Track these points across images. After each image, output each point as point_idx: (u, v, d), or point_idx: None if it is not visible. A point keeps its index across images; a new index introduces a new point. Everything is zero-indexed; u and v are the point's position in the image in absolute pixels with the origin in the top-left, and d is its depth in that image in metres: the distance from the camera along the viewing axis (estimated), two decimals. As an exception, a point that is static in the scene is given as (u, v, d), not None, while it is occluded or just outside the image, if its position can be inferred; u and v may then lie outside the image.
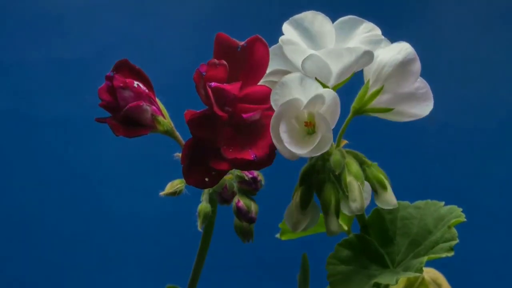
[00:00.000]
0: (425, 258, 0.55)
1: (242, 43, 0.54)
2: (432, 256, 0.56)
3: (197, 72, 0.52)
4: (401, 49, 0.54)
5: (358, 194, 0.53)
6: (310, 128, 0.51)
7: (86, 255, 1.32)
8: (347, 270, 0.57)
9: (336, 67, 0.51)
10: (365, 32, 0.54)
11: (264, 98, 0.52)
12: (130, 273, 1.32)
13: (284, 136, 0.50)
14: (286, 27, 0.54)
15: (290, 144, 0.50)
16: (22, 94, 1.35)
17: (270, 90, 0.52)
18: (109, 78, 0.56)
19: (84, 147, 1.33)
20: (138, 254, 1.32)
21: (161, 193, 0.59)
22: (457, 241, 0.56)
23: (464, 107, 1.31)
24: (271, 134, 0.50)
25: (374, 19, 0.55)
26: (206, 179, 0.52)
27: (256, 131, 0.52)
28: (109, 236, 1.32)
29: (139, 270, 1.32)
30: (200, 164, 0.52)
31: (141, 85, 0.56)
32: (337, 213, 0.54)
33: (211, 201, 0.60)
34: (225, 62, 0.52)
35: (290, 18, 0.54)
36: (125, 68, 0.57)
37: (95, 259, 1.32)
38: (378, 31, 0.54)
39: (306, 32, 0.54)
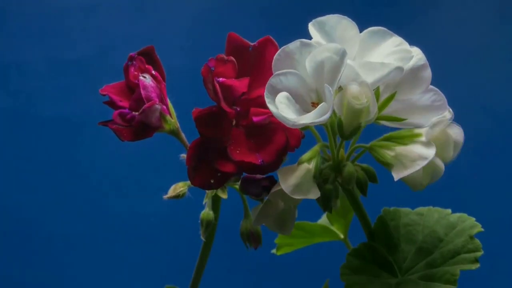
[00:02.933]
0: (457, 270, 0.54)
1: (254, 43, 0.53)
2: (463, 267, 0.55)
3: (205, 67, 0.52)
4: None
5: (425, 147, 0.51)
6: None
7: (86, 256, 1.31)
8: (361, 280, 0.57)
9: (367, 79, 0.50)
10: (393, 46, 0.52)
11: None
12: (131, 273, 1.32)
13: (281, 106, 0.49)
14: (311, 29, 0.53)
15: (286, 113, 0.48)
16: (22, 94, 1.34)
17: None
18: (132, 58, 0.55)
19: (84, 147, 1.32)
20: (138, 254, 1.32)
21: (165, 197, 0.58)
22: (481, 252, 0.55)
23: (464, 107, 1.31)
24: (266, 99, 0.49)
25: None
26: (212, 181, 0.51)
27: (265, 135, 0.51)
28: (109, 237, 1.32)
29: (140, 270, 1.31)
30: (206, 165, 0.51)
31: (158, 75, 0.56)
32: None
33: (213, 206, 0.59)
34: (233, 59, 0.52)
35: (314, 20, 0.53)
36: (146, 56, 0.56)
37: (95, 259, 1.31)
38: (406, 46, 0.52)
39: (328, 36, 0.52)
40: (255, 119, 0.51)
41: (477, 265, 0.55)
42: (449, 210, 0.60)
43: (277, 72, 0.50)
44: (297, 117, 0.48)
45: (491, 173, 1.31)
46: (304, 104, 0.51)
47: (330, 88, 0.48)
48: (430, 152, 0.50)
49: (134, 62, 0.55)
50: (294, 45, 0.51)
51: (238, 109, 0.52)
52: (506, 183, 1.30)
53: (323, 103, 0.48)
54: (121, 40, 1.33)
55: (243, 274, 1.29)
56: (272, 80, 0.50)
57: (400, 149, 0.51)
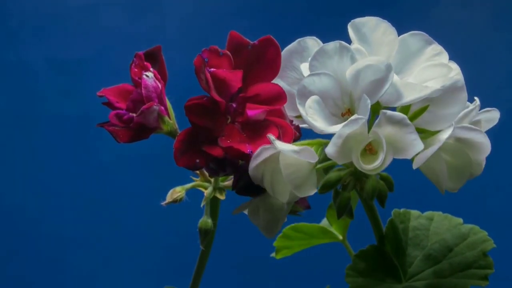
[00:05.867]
0: (468, 286, 0.54)
1: (254, 42, 0.53)
2: (472, 282, 0.54)
3: (198, 57, 0.52)
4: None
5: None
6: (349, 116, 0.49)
7: (86, 256, 1.31)
8: (366, 283, 0.56)
9: (407, 97, 0.49)
10: (433, 54, 0.52)
11: (274, 97, 0.52)
12: (130, 274, 1.31)
13: (310, 111, 0.48)
14: (349, 29, 0.52)
15: (315, 119, 0.48)
16: (22, 94, 1.34)
17: (282, 89, 0.51)
18: (137, 56, 0.55)
19: (84, 147, 1.32)
20: (138, 255, 1.32)
21: (163, 203, 0.58)
22: (493, 270, 0.55)
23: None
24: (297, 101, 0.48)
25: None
26: (197, 161, 0.51)
27: (259, 130, 0.51)
28: (109, 237, 1.32)
29: (139, 271, 1.31)
30: (193, 149, 0.51)
31: (157, 74, 0.56)
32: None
33: (212, 208, 0.59)
34: (228, 53, 0.52)
35: (352, 20, 0.52)
36: (152, 56, 0.56)
37: (95, 259, 1.31)
38: (445, 58, 0.52)
39: (364, 38, 0.51)
40: (249, 112, 0.51)
41: (487, 283, 0.54)
42: (461, 220, 0.59)
43: (311, 72, 0.49)
44: (325, 127, 0.48)
45: (493, 176, 1.30)
46: (335, 108, 0.50)
47: (369, 101, 0.47)
48: (444, 136, 0.48)
49: (134, 59, 0.56)
50: (334, 45, 0.49)
51: (234, 105, 0.52)
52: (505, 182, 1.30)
53: (355, 115, 0.47)
54: (121, 40, 1.33)
55: (243, 275, 1.29)
56: (305, 81, 0.49)
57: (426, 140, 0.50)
